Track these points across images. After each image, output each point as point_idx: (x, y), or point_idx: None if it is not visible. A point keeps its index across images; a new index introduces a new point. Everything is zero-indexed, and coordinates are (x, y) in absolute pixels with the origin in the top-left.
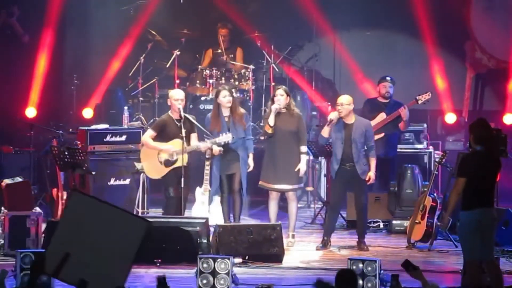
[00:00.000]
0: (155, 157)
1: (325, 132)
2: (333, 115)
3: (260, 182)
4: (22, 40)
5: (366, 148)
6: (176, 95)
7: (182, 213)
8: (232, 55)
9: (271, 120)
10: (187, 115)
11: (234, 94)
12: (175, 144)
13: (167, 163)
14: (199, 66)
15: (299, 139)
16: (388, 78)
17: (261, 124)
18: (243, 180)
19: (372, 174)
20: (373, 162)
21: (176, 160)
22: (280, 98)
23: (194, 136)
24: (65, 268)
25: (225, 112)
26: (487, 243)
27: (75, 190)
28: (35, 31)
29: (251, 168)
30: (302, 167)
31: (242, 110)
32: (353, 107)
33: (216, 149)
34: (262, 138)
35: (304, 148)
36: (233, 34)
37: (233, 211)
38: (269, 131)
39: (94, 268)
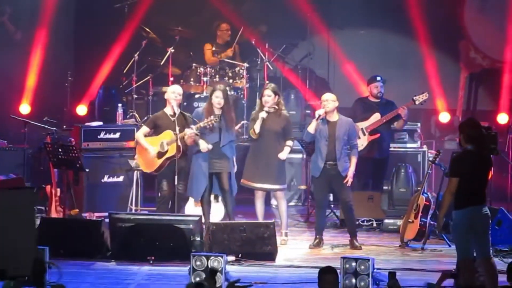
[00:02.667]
0: (149, 151)
1: (312, 128)
2: (321, 111)
3: (242, 180)
4: (15, 37)
5: (349, 146)
6: (172, 88)
7: (181, 210)
8: (232, 49)
9: (257, 127)
10: (183, 112)
11: (229, 93)
12: (164, 136)
13: (159, 154)
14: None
15: (284, 137)
16: (378, 78)
17: (247, 126)
18: (232, 180)
19: (350, 173)
20: (353, 161)
21: (167, 150)
22: (268, 99)
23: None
24: None
25: (217, 111)
26: (482, 241)
27: None
28: (29, 27)
29: (234, 170)
30: (282, 156)
31: (233, 115)
32: (338, 104)
33: (204, 147)
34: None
35: (289, 142)
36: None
37: (225, 210)
38: (254, 136)
39: (5, 252)
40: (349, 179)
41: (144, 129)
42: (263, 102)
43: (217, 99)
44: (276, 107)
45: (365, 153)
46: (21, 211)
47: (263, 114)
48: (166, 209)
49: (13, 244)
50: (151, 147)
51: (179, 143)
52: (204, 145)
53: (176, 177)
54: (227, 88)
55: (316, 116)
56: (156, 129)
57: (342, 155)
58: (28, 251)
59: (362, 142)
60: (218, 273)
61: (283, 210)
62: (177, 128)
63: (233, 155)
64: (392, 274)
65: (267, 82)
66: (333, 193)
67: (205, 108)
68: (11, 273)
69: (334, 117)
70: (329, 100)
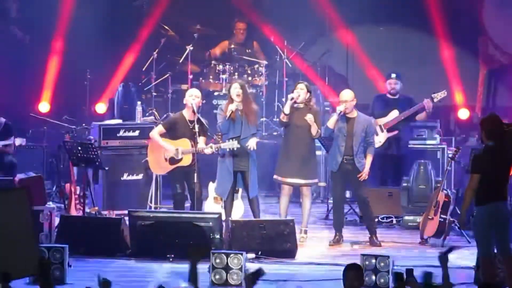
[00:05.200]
0: (161, 153)
1: (331, 123)
2: (342, 107)
3: (274, 176)
4: (24, 41)
5: (366, 144)
6: (191, 91)
7: (199, 209)
8: (249, 50)
9: (287, 108)
10: (200, 117)
11: (248, 89)
12: (182, 144)
13: (172, 160)
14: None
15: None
16: (393, 75)
17: (274, 119)
18: (253, 178)
19: (366, 169)
20: (369, 158)
21: (181, 159)
22: (300, 92)
23: (202, 140)
24: None
25: (239, 106)
26: (502, 238)
27: None
28: (48, 26)
29: (250, 147)
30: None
31: (255, 106)
32: (356, 102)
33: (228, 146)
34: (275, 133)
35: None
36: (249, 29)
37: (251, 209)
38: (284, 119)
39: (6, 255)
40: (364, 175)
41: (160, 128)
42: (295, 93)
43: (235, 90)
44: (307, 103)
45: (383, 150)
46: (15, 213)
47: (292, 95)
48: (183, 208)
49: (13, 246)
50: (169, 146)
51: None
52: (228, 145)
53: (195, 175)
54: (246, 84)
55: (337, 111)
56: (171, 132)
57: (359, 151)
58: (29, 251)
59: (380, 139)
60: (239, 271)
61: (307, 207)
62: (197, 133)
63: (255, 150)
64: (409, 271)
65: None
66: (351, 190)
67: (226, 103)
68: (16, 275)
69: (353, 113)
70: (348, 100)
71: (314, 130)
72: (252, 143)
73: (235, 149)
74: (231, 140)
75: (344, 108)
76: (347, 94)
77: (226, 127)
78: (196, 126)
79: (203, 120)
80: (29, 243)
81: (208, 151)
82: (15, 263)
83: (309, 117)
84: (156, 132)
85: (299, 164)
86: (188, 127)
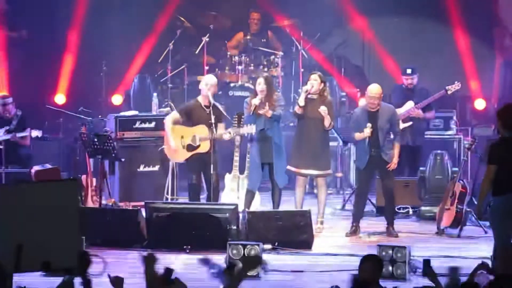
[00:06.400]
0: (178, 141)
1: (358, 137)
2: (368, 132)
3: (287, 167)
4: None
5: (392, 133)
6: (206, 79)
7: (216, 200)
8: (264, 40)
9: (301, 100)
10: (216, 103)
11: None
12: (199, 130)
13: (190, 147)
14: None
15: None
16: (408, 71)
17: (290, 111)
18: (281, 167)
19: (395, 160)
20: (397, 149)
21: (199, 145)
22: (314, 83)
23: (221, 126)
24: (23, 259)
25: (262, 99)
26: None
27: None
28: (64, 18)
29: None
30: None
31: (275, 96)
32: (382, 96)
33: (246, 131)
34: (291, 124)
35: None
36: (264, 19)
37: (272, 199)
38: (299, 111)
39: (48, 245)
40: (393, 165)
41: (175, 115)
42: (308, 85)
43: (259, 86)
44: (322, 93)
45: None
46: (64, 203)
47: (306, 87)
48: (198, 199)
49: (57, 237)
50: (172, 141)
51: (212, 138)
52: (246, 130)
53: (212, 166)
54: (270, 76)
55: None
56: (187, 119)
57: (385, 144)
58: (72, 243)
59: None
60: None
61: (323, 198)
62: (213, 117)
63: (280, 139)
64: (426, 262)
65: (314, 72)
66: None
67: (251, 98)
68: (55, 265)
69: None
70: (376, 97)
71: (327, 122)
72: (265, 109)
73: (253, 133)
74: (249, 125)
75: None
76: (374, 90)
77: (250, 121)
78: (213, 117)
79: (219, 106)
80: (72, 235)
81: (226, 136)
82: (57, 254)
83: (323, 109)
84: (170, 119)
85: (313, 155)
86: (204, 112)
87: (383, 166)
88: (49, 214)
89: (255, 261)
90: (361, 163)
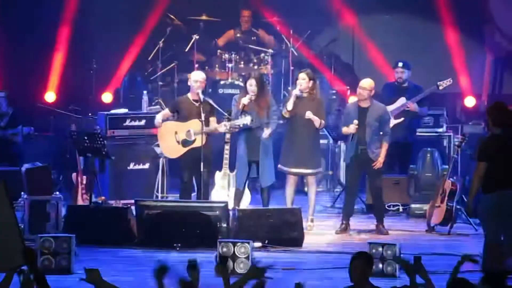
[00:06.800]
0: (173, 136)
1: (345, 132)
2: (353, 129)
3: (278, 166)
4: None
5: (381, 133)
6: (194, 76)
7: (206, 197)
8: (254, 37)
9: (290, 105)
10: (207, 98)
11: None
12: (193, 125)
13: (185, 143)
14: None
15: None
16: (400, 64)
17: (281, 108)
18: (267, 167)
19: (380, 159)
20: (384, 148)
21: (195, 140)
22: (302, 82)
23: (213, 120)
24: None
25: (251, 98)
26: (510, 225)
27: None
28: (54, 15)
29: (265, 136)
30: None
31: (267, 100)
32: (373, 92)
33: (242, 122)
34: (280, 121)
35: (322, 121)
36: (254, 17)
37: (261, 197)
38: (286, 115)
39: None
40: (378, 164)
41: (165, 111)
42: (297, 85)
43: (251, 87)
44: (311, 92)
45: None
46: None
47: (296, 91)
48: (189, 198)
49: None
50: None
51: (205, 131)
52: (241, 121)
53: (201, 163)
54: (262, 74)
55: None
56: (178, 114)
57: (373, 141)
58: (15, 242)
59: None
60: (245, 260)
61: (313, 196)
62: (203, 115)
63: (269, 139)
64: (417, 258)
65: (306, 69)
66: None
67: (240, 95)
68: (2, 266)
69: (366, 103)
70: (366, 88)
71: (317, 123)
72: (265, 133)
73: (248, 124)
74: (243, 116)
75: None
76: (365, 82)
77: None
78: (203, 115)
79: (210, 101)
80: (12, 235)
81: (222, 129)
82: (3, 256)
83: (308, 115)
84: (160, 115)
85: (303, 154)
86: (193, 106)
87: (370, 164)
88: None
89: (260, 273)
90: (347, 158)
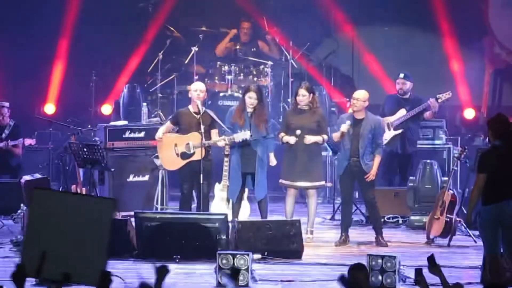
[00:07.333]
0: (172, 149)
1: (336, 137)
2: (345, 128)
3: (280, 180)
4: None
5: (374, 144)
6: (193, 86)
7: (206, 209)
8: (254, 49)
9: (286, 139)
10: (208, 110)
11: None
12: (193, 138)
13: (184, 155)
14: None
15: (319, 134)
16: (401, 75)
17: (280, 120)
18: (261, 179)
19: (372, 171)
20: (377, 160)
21: (193, 153)
22: (302, 98)
23: (214, 132)
24: (46, 266)
25: (249, 109)
26: (509, 237)
27: (36, 188)
28: (53, 27)
29: (273, 164)
30: (307, 138)
31: (264, 112)
32: (368, 104)
33: (241, 137)
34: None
35: (321, 137)
36: (254, 29)
37: (259, 209)
38: (281, 143)
39: (74, 258)
40: (371, 176)
41: (167, 124)
42: (298, 102)
43: (250, 100)
44: (311, 105)
45: (389, 148)
46: (98, 221)
47: (291, 141)
48: (189, 210)
49: (84, 252)
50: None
51: (204, 144)
52: (240, 136)
53: (201, 176)
54: (260, 86)
55: (340, 132)
56: (179, 126)
57: (366, 153)
58: (97, 262)
59: (386, 136)
60: (245, 272)
61: (313, 208)
62: (202, 127)
63: (268, 151)
64: (418, 271)
65: (304, 82)
66: (358, 191)
67: (237, 107)
68: (76, 279)
69: (361, 115)
70: (360, 99)
71: (320, 141)
72: (271, 159)
73: (248, 139)
74: (242, 131)
75: (346, 129)
76: (360, 93)
77: (236, 130)
78: (202, 119)
79: (211, 113)
80: (99, 254)
81: (221, 143)
82: (80, 268)
83: (308, 140)
84: (162, 129)
85: (305, 167)
86: (193, 118)
87: (362, 176)
88: (81, 228)
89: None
90: (340, 169)
